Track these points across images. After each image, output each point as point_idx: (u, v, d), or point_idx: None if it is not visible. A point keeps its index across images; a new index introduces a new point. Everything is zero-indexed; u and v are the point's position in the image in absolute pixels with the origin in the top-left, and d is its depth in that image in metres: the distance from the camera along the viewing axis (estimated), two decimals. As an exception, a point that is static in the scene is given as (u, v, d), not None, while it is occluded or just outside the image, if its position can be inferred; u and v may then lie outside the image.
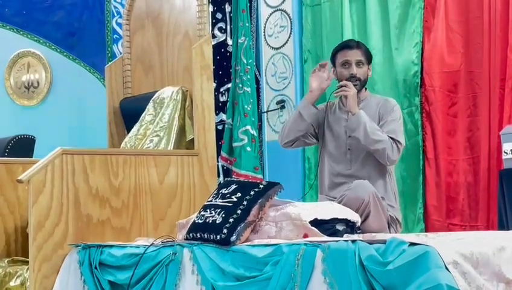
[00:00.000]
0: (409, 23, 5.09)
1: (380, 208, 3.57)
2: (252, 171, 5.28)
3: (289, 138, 3.96)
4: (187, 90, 4.19)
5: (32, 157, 4.78)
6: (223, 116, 5.96)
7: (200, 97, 4.02)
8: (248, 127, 5.31)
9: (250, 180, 4.47)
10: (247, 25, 5.39)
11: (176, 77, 4.36)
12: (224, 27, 6.22)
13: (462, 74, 4.88)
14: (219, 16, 6.21)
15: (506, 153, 4.29)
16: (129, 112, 4.52)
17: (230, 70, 5.69)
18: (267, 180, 5.11)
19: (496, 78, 4.68)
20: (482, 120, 4.76)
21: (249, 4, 5.49)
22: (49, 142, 4.60)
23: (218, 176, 5.53)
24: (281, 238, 2.87)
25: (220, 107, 6.06)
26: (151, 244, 3.12)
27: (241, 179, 5.04)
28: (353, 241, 2.42)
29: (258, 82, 5.91)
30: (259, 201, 2.93)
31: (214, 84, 5.08)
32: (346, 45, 3.99)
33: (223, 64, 6.10)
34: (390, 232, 3.63)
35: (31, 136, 5.05)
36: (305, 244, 2.53)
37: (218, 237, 2.86)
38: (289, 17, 5.84)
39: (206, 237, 2.93)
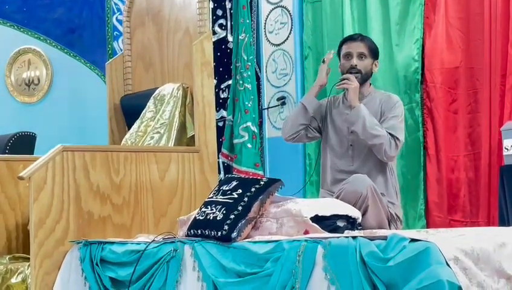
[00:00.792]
0: (409, 19, 5.09)
1: (379, 202, 3.57)
2: (252, 168, 5.29)
3: (292, 131, 3.96)
4: (187, 87, 4.19)
5: (33, 154, 4.78)
6: (224, 113, 5.96)
7: (200, 94, 4.02)
8: (249, 123, 5.32)
9: (250, 177, 4.48)
10: (247, 21, 5.40)
11: (177, 74, 4.35)
12: (224, 24, 6.21)
13: (463, 70, 4.88)
14: (219, 12, 6.20)
15: (507, 149, 4.29)
16: (130, 109, 4.52)
17: (230, 66, 5.70)
18: (268, 176, 5.12)
19: (497, 74, 4.68)
20: (483, 116, 4.76)
21: (249, 1, 5.50)
22: (49, 139, 4.59)
23: (219, 172, 5.54)
24: (282, 234, 2.87)
25: (220, 104, 6.06)
26: (152, 241, 3.12)
27: (242, 175, 5.06)
28: (354, 237, 2.42)
29: (258, 79, 5.91)
30: (260, 197, 2.93)
31: (215, 81, 5.07)
32: (350, 37, 4.00)
33: (224, 60, 6.10)
34: (390, 229, 3.63)
35: (32, 133, 5.05)
36: (306, 240, 2.53)
37: (219, 233, 2.86)
38: (289, 14, 5.84)
39: (207, 233, 2.93)
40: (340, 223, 3.02)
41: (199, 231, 2.98)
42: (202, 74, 4.04)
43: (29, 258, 3.57)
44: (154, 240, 3.13)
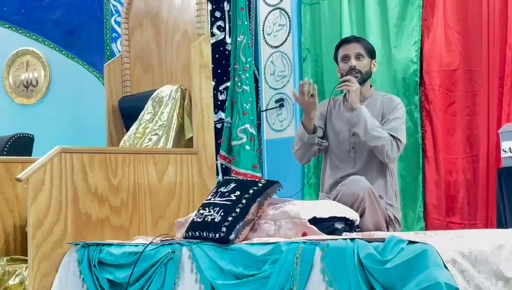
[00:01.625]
0: (407, 21, 5.09)
1: (376, 204, 3.57)
2: (250, 170, 5.28)
3: (305, 159, 3.97)
4: (186, 89, 4.19)
5: (31, 156, 4.79)
6: (222, 115, 5.96)
7: (199, 96, 4.02)
8: (247, 125, 5.31)
9: (249, 179, 4.47)
10: (246, 23, 5.39)
11: (175, 76, 4.36)
12: (223, 25, 6.21)
13: (461, 72, 4.88)
14: (218, 14, 6.21)
15: (505, 151, 4.29)
16: (128, 111, 4.52)
17: (229, 68, 5.69)
18: (266, 178, 5.11)
19: (495, 76, 4.68)
20: (481, 118, 4.76)
21: (247, 2, 5.49)
22: (48, 140, 4.60)
23: (217, 174, 5.54)
24: (280, 236, 2.87)
25: (219, 106, 6.06)
26: (150, 243, 3.12)
27: (240, 177, 5.06)
28: (352, 239, 2.42)
29: (256, 81, 5.91)
30: (258, 199, 2.93)
31: (213, 83, 5.07)
32: (345, 40, 4.01)
33: (222, 62, 6.10)
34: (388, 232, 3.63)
35: (30, 134, 5.05)
36: (304, 242, 2.53)
37: (217, 235, 2.86)
38: (288, 16, 5.84)
39: (205, 235, 2.93)
40: (338, 225, 3.02)
41: (197, 233, 2.98)
42: (200, 76, 4.04)
43: (27, 260, 3.56)
44: (152, 242, 3.12)
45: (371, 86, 3.99)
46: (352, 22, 5.41)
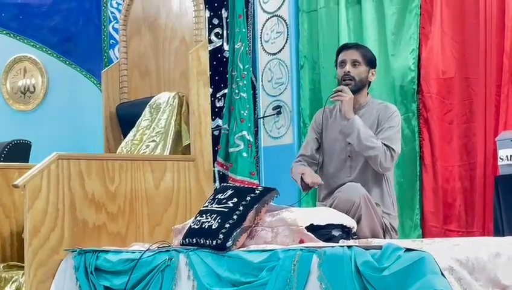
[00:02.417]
0: (405, 29, 5.10)
1: (372, 211, 3.56)
2: (248, 177, 5.28)
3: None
4: (183, 96, 4.19)
5: (28, 162, 4.78)
6: (219, 122, 5.96)
7: (196, 102, 4.02)
8: (244, 132, 5.31)
9: (246, 186, 4.47)
10: (243, 30, 5.40)
11: (172, 82, 4.35)
12: (220, 32, 6.22)
13: (458, 80, 4.89)
14: (216, 21, 6.22)
15: (502, 159, 4.29)
16: (125, 117, 4.51)
17: (226, 75, 5.70)
18: (263, 185, 5.11)
19: (492, 84, 4.69)
20: (478, 126, 4.76)
21: (245, 10, 5.50)
22: (45, 147, 4.60)
23: (214, 181, 5.53)
24: (277, 243, 2.87)
25: (216, 113, 6.06)
26: (146, 250, 3.11)
27: (237, 184, 5.05)
28: (349, 246, 2.42)
29: (254, 88, 5.92)
30: (255, 206, 2.93)
31: (210, 90, 5.08)
32: (345, 46, 4.01)
33: (220, 69, 6.11)
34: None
35: (27, 141, 5.05)
36: (301, 249, 2.53)
37: (214, 242, 2.85)
38: (285, 23, 5.85)
39: (202, 242, 2.92)
40: (336, 233, 3.02)
41: (194, 240, 2.98)
42: (198, 83, 4.04)
43: (23, 267, 3.55)
44: (149, 249, 3.12)
45: (368, 93, 3.98)
46: (349, 30, 5.42)
